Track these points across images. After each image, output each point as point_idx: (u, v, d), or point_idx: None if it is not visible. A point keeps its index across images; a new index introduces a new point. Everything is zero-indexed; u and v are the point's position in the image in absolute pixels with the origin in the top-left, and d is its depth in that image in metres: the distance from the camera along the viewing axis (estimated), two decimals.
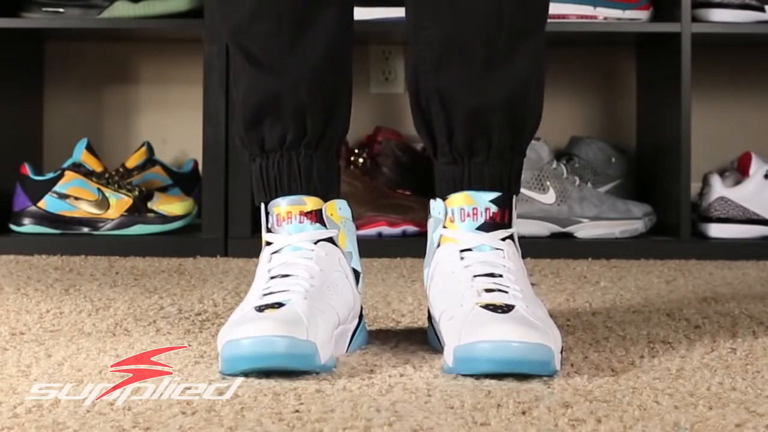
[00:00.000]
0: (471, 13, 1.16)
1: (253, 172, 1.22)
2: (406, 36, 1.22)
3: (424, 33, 1.18)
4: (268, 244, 1.17)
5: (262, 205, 1.20)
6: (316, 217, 1.17)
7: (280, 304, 1.07)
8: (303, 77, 1.19)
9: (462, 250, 1.15)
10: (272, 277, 1.13)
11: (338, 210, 1.19)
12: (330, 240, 1.17)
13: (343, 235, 1.19)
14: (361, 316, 1.20)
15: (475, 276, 1.13)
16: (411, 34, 1.20)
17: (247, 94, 1.20)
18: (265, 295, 1.10)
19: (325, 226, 1.17)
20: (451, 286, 1.14)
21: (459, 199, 1.17)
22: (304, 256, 1.15)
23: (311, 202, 1.17)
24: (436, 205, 1.19)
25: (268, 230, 1.18)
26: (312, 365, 1.03)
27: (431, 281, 1.18)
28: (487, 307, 1.07)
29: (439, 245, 1.18)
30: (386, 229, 2.07)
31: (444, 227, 1.17)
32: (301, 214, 1.17)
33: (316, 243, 1.16)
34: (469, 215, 1.17)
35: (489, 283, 1.12)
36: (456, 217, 1.17)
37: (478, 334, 1.03)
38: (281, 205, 1.17)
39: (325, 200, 1.19)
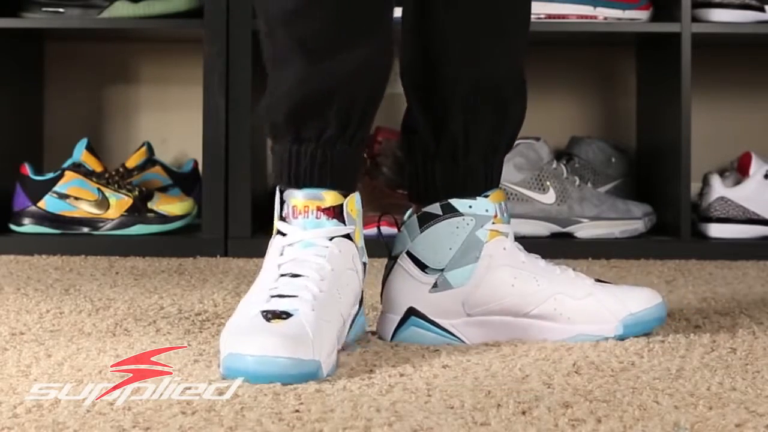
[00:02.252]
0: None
1: (279, 153, 1.17)
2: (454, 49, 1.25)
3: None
4: (280, 233, 1.15)
5: (278, 191, 1.17)
6: (335, 212, 1.14)
7: (287, 314, 1.04)
8: (359, 73, 1.15)
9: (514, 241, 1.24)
10: (282, 275, 1.11)
11: (356, 203, 1.17)
12: (347, 236, 1.15)
13: (358, 230, 1.17)
14: (360, 302, 1.20)
15: (548, 262, 1.25)
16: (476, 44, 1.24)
17: (295, 86, 1.14)
18: (273, 296, 1.08)
19: (344, 221, 1.15)
20: (530, 275, 1.22)
21: (500, 195, 1.25)
22: (317, 254, 1.12)
23: (330, 198, 1.14)
24: (479, 204, 1.22)
25: (282, 218, 1.15)
26: (314, 379, 1.02)
27: (487, 273, 1.21)
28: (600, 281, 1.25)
29: (486, 240, 1.22)
30: (386, 229, 2.07)
31: (493, 223, 1.22)
32: (318, 209, 1.14)
33: (331, 239, 1.14)
34: (505, 211, 1.25)
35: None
36: (499, 213, 1.23)
37: (638, 303, 1.23)
38: (299, 198, 1.14)
39: (349, 193, 1.16)
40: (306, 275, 1.10)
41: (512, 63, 1.26)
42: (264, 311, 1.05)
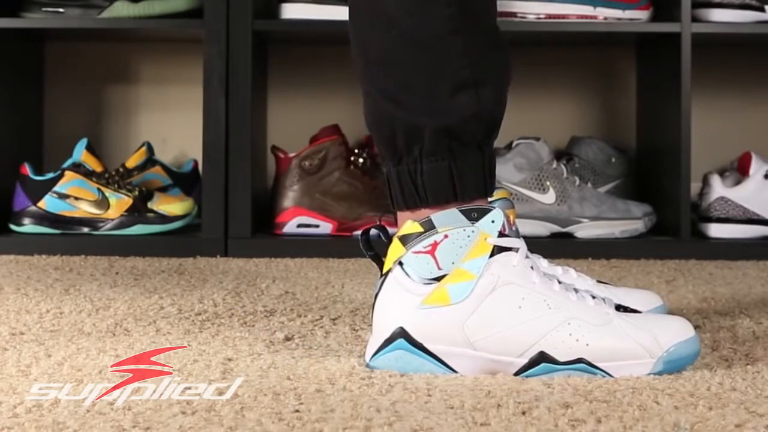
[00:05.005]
0: None
1: (474, 161, 1.09)
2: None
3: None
4: (509, 249, 1.07)
5: (482, 206, 1.08)
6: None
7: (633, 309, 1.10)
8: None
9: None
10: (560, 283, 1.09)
11: None
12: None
13: None
14: None
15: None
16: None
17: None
18: (594, 297, 1.09)
19: None
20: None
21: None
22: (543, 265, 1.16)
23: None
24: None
25: (503, 234, 1.07)
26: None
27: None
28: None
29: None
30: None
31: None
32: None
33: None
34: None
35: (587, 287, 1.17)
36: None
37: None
38: (510, 208, 1.10)
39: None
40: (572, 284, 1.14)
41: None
42: (612, 310, 1.08)
